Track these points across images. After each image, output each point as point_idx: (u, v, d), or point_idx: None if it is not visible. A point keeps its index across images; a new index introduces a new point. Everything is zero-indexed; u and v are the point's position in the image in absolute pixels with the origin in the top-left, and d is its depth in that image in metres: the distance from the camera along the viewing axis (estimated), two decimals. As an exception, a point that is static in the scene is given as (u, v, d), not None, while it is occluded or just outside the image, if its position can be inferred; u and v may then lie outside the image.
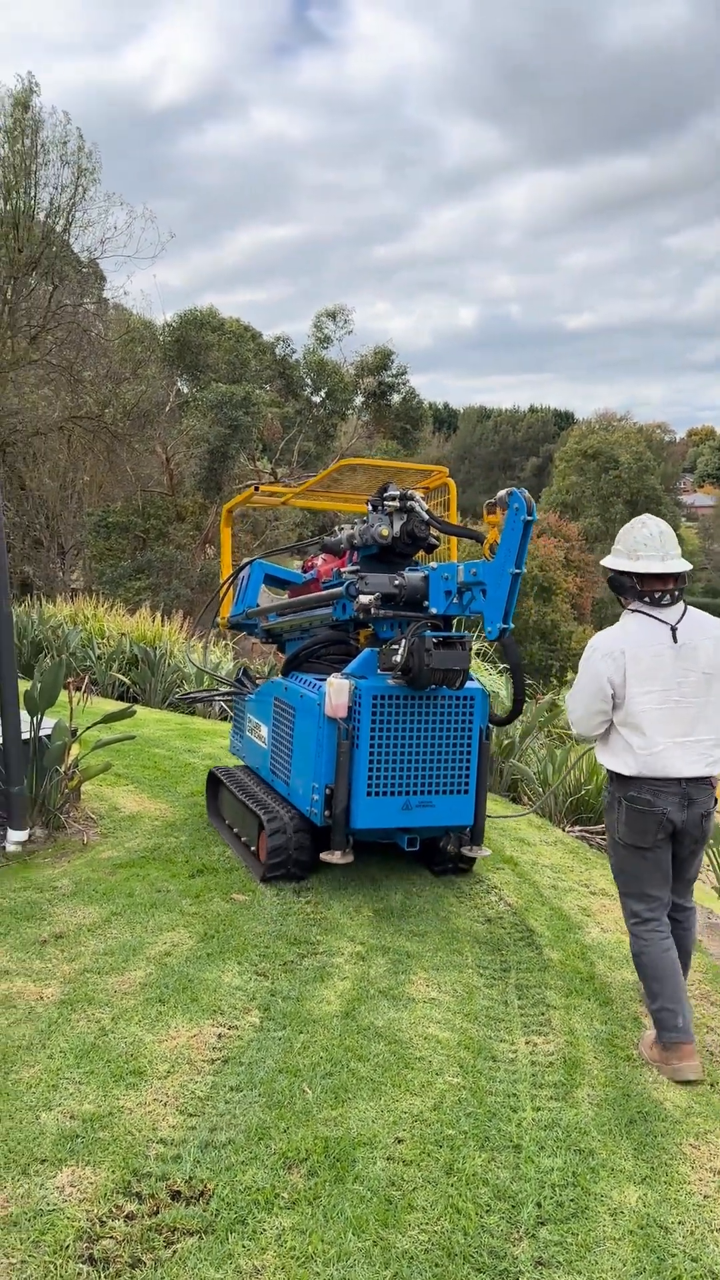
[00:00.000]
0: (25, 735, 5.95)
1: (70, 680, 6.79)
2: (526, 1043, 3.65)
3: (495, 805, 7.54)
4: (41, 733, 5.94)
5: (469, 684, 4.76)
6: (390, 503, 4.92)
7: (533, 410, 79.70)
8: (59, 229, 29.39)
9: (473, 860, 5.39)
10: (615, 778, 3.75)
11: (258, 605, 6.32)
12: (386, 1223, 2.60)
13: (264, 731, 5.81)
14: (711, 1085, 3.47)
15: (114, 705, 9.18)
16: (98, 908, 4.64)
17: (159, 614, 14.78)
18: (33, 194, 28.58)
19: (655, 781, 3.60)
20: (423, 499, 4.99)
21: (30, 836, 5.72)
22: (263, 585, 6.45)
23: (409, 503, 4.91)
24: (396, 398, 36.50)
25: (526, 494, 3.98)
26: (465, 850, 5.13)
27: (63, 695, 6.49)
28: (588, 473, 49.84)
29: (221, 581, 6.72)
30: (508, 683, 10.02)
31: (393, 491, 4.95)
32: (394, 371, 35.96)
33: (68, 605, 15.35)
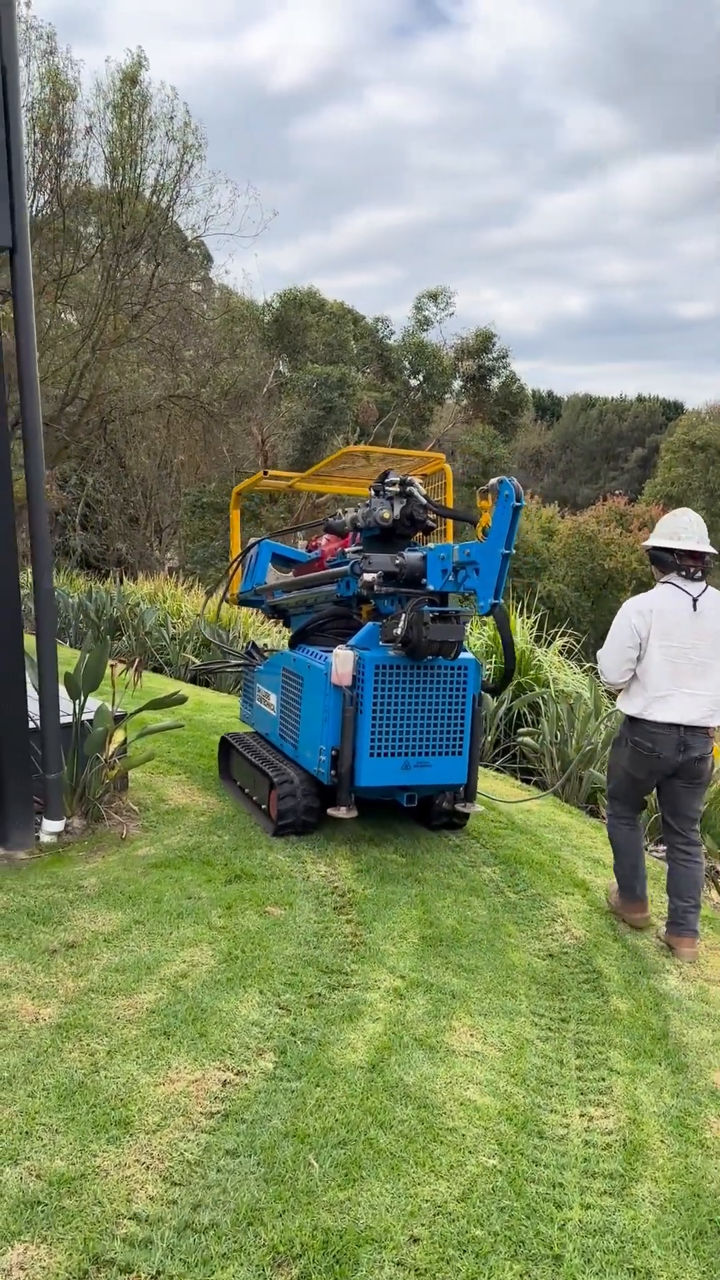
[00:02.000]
0: (66, 719, 5.65)
1: (115, 661, 6.46)
2: (581, 1115, 3.12)
3: (516, 790, 7.06)
4: (84, 716, 5.62)
5: (463, 654, 5.15)
6: (390, 488, 5.30)
7: (640, 399, 77.33)
8: (163, 205, 29.41)
9: (466, 816, 5.76)
10: (626, 720, 4.55)
11: (266, 582, 6.63)
12: None
13: (273, 699, 6.18)
14: None
15: (176, 688, 8.87)
16: (120, 914, 4.26)
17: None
18: (138, 170, 28.64)
19: (658, 727, 4.36)
20: (420, 485, 5.36)
21: (67, 827, 5.41)
22: (270, 564, 6.76)
23: (408, 488, 5.29)
24: (496, 382, 35.61)
25: (515, 482, 4.38)
26: (459, 807, 5.52)
27: (117, 676, 6.18)
28: (695, 464, 47.88)
29: (231, 560, 7.11)
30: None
31: (393, 478, 5.32)
32: (495, 355, 35.08)
33: (148, 583, 15.21)
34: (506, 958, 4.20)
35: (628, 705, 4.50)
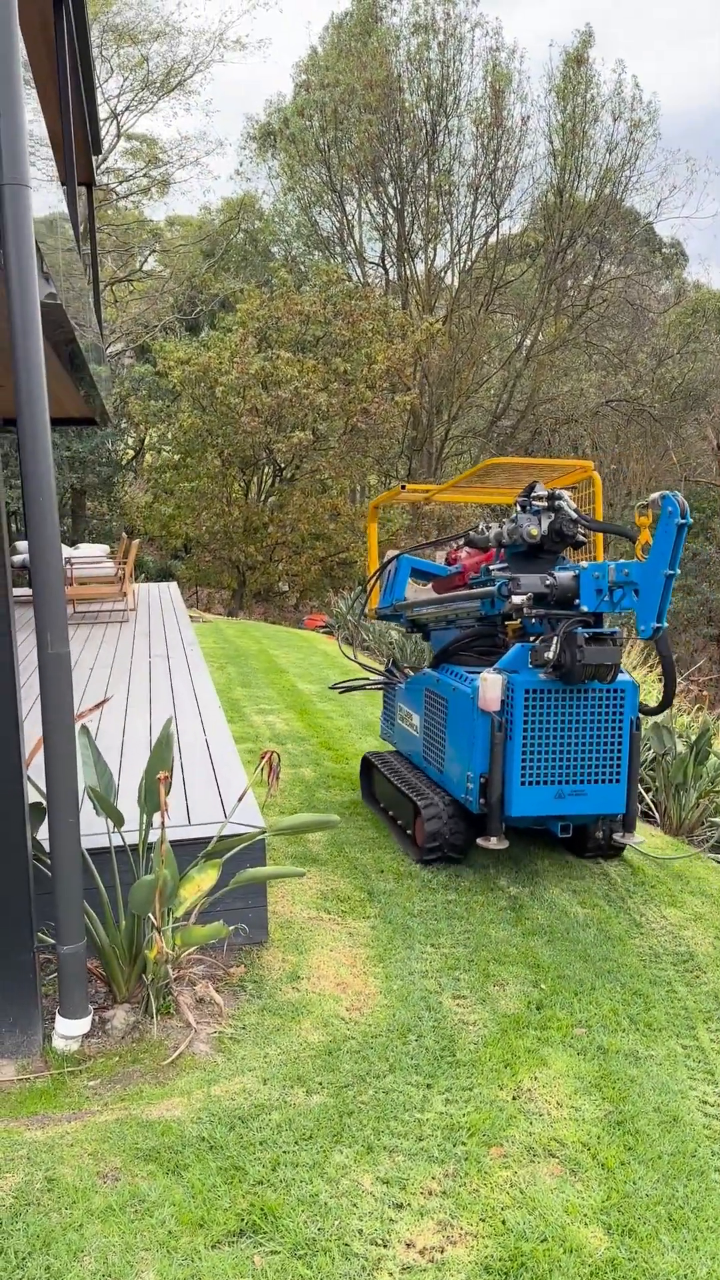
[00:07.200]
0: (120, 839, 3.81)
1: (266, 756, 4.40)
2: None
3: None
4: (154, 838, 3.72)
5: (620, 677, 4.77)
6: (538, 501, 4.96)
7: None
8: (607, 193, 26.94)
9: (622, 847, 5.41)
10: None
11: (405, 598, 6.36)
12: None
13: (416, 720, 5.90)
14: None
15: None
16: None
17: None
18: (582, 155, 26.47)
19: None
20: (569, 497, 4.96)
21: (102, 1025, 3.54)
22: (410, 579, 6.46)
23: (557, 501, 4.94)
24: None
25: (680, 497, 4.05)
26: (617, 837, 5.13)
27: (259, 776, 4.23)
28: None
29: (368, 574, 6.90)
30: None
31: (540, 491, 4.98)
32: None
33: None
34: None
35: None
